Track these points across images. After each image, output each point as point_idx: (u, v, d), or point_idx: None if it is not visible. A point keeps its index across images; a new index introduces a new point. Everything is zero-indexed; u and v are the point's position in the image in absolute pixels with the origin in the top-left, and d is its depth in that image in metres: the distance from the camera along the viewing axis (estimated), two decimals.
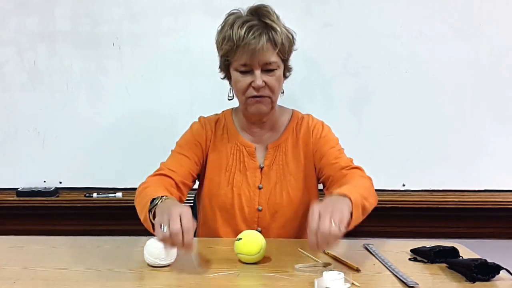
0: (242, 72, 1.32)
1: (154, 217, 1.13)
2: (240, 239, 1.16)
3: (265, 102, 1.34)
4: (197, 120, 1.49)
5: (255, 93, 1.32)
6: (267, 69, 1.31)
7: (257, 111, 1.35)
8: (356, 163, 1.45)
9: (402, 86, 1.78)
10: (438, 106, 1.79)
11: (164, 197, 1.17)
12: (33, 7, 1.81)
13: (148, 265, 1.15)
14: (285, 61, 1.36)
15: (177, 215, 1.04)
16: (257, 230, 1.37)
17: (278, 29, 1.29)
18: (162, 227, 1.05)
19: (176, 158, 1.40)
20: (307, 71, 1.78)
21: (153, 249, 1.14)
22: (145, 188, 1.28)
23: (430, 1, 1.74)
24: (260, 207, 1.39)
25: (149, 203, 1.16)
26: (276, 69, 1.32)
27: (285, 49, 1.32)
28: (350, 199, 1.08)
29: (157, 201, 1.16)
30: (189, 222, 1.04)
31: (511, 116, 1.78)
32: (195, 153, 1.41)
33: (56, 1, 1.80)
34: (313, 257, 1.19)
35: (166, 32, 1.80)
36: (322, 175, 1.39)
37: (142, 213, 1.21)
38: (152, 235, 1.22)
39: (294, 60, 1.39)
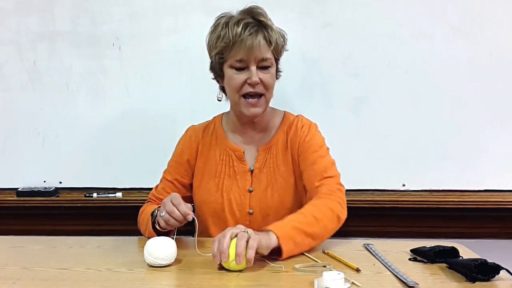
0: (238, 69, 1.32)
1: (159, 225, 1.25)
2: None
3: (260, 104, 1.35)
4: (188, 128, 1.51)
5: (250, 90, 1.32)
6: (262, 66, 1.32)
7: (251, 114, 1.35)
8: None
9: (402, 86, 1.78)
10: (438, 106, 1.78)
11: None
12: (33, 7, 1.80)
13: (148, 265, 1.15)
14: (277, 60, 1.38)
15: (168, 200, 1.21)
16: None
17: (273, 27, 1.33)
18: (162, 214, 1.20)
19: (164, 185, 1.47)
20: (307, 71, 1.78)
21: (153, 249, 1.14)
22: (142, 212, 1.42)
23: (430, 1, 1.74)
24: (251, 211, 1.39)
25: (150, 218, 1.30)
26: (270, 67, 1.34)
27: (278, 47, 1.34)
28: (275, 233, 1.14)
29: (156, 212, 1.28)
30: (178, 199, 1.20)
31: (511, 116, 1.78)
32: (182, 174, 1.47)
33: (56, 1, 1.80)
34: (313, 257, 1.19)
35: (166, 32, 1.80)
36: (302, 179, 1.39)
37: (147, 229, 1.33)
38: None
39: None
